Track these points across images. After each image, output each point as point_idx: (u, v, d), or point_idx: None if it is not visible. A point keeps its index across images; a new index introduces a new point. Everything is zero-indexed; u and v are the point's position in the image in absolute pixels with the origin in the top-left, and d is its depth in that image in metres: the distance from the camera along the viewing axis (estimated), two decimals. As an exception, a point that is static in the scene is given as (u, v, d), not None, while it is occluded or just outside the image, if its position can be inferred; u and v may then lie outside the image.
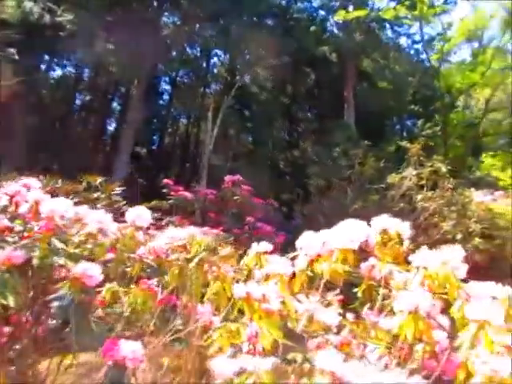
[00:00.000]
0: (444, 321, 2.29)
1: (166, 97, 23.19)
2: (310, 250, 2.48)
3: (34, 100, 13.08)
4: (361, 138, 11.73)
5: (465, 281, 2.29)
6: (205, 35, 15.38)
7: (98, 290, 2.43)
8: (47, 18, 10.22)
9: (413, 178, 6.56)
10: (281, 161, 15.02)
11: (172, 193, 6.51)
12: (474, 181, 9.87)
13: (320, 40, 15.65)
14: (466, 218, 6.29)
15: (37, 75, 11.92)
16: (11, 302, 1.90)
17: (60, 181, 3.57)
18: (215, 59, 20.22)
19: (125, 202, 3.95)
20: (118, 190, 4.08)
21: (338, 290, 2.94)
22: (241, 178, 6.94)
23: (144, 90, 13.85)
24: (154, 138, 22.80)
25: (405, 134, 19.20)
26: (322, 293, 2.98)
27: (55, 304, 2.04)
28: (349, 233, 2.68)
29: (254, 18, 16.81)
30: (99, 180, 4.04)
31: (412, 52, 17.20)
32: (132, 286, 2.23)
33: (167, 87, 23.20)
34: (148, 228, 3.24)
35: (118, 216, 3.26)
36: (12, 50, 9.60)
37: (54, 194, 3.79)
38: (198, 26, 14.61)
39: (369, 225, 2.87)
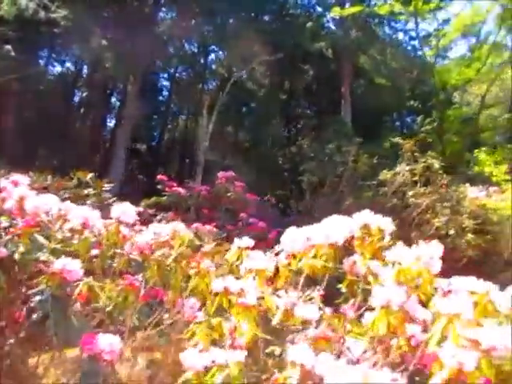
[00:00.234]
0: (427, 315, 2.31)
1: (165, 93, 23.24)
2: (291, 246, 2.51)
3: (31, 96, 13.11)
4: (358, 135, 11.73)
5: (457, 275, 2.32)
6: (201, 31, 15.37)
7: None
8: (42, 14, 10.23)
9: (405, 174, 6.58)
10: (279, 157, 15.04)
11: (166, 189, 6.55)
12: (471, 176, 9.85)
13: (317, 36, 15.63)
14: (458, 213, 6.31)
15: (33, 71, 11.92)
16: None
17: (50, 177, 3.59)
18: (213, 56, 20.24)
19: (115, 198, 3.97)
20: (108, 186, 4.11)
21: (323, 286, 2.98)
22: (234, 174, 6.97)
23: (141, 87, 13.86)
24: (154, 134, 22.83)
25: (405, 130, 19.18)
26: (307, 288, 3.02)
27: (36, 298, 2.07)
28: (328, 229, 2.71)
29: (251, 14, 16.81)
30: (89, 176, 4.06)
31: (409, 48, 17.20)
32: (107, 281, 2.25)
33: (166, 83, 23.24)
34: (134, 224, 3.27)
35: (108, 212, 3.28)
36: (8, 47, 9.61)
37: (43, 190, 3.83)
38: (194, 22, 14.59)
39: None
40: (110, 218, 2.90)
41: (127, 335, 2.19)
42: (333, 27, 17.27)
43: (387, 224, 2.82)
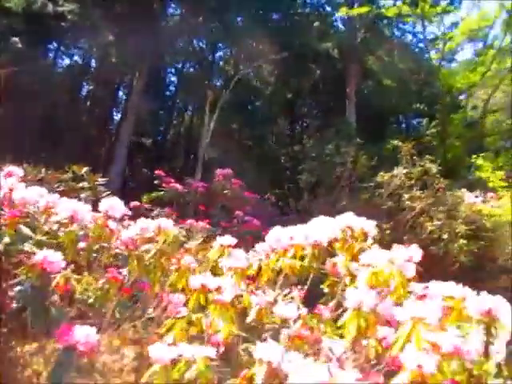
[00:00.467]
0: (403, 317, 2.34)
1: (172, 88, 23.31)
2: (275, 246, 2.55)
3: (38, 89, 13.19)
4: (362, 136, 11.72)
5: (449, 280, 2.35)
6: (209, 28, 15.40)
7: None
8: (50, 7, 10.31)
9: (402, 176, 6.58)
10: (282, 156, 15.06)
11: (163, 184, 6.60)
12: (471, 181, 9.83)
13: (325, 36, 15.61)
14: (453, 218, 6.31)
15: (41, 64, 12.02)
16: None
17: (44, 170, 3.65)
18: (221, 53, 20.27)
19: (115, 192, 4.02)
20: (102, 180, 4.17)
21: (306, 285, 3.02)
22: (231, 172, 7.01)
23: (147, 82, 13.92)
24: (160, 129, 22.91)
25: (411, 132, 19.11)
26: (290, 288, 3.06)
27: (16, 289, 2.12)
28: (310, 230, 2.75)
29: (260, 12, 16.81)
30: (84, 170, 4.12)
31: (417, 50, 17.10)
32: (87, 274, 2.30)
33: (174, 79, 23.31)
34: (123, 218, 3.32)
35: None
36: (16, 39, 9.70)
37: (38, 182, 3.89)
38: (202, 18, 14.62)
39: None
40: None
41: (107, 327, 2.24)
42: (341, 27, 17.25)
43: (370, 227, 2.86)
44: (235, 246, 2.78)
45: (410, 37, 18.08)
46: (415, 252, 2.60)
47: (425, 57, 16.04)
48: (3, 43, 9.70)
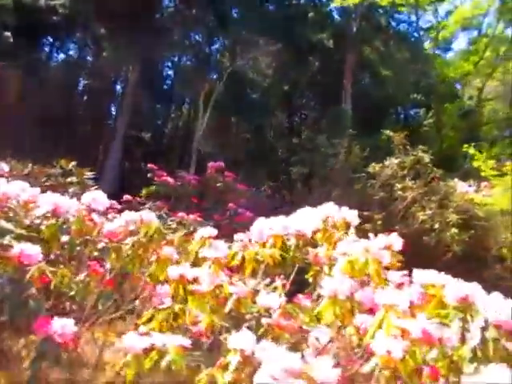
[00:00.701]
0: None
1: (169, 82, 23.23)
2: (259, 237, 2.56)
3: (33, 84, 13.17)
4: (358, 127, 11.68)
5: (441, 270, 2.36)
6: (205, 20, 15.32)
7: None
8: (42, 1, 10.24)
9: (394, 167, 6.58)
10: (279, 148, 15.04)
11: (155, 178, 6.61)
12: (467, 171, 9.82)
13: (321, 26, 15.53)
14: (445, 208, 6.32)
15: (34, 59, 11.98)
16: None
17: (30, 165, 3.66)
18: (217, 45, 20.16)
19: (96, 186, 4.03)
20: (90, 174, 4.17)
21: (292, 275, 3.03)
22: (223, 165, 7.01)
23: (143, 75, 13.87)
24: (158, 123, 22.86)
25: (410, 123, 19.05)
26: (274, 278, 3.08)
27: (-6, 282, 2.13)
28: (289, 221, 2.76)
29: (255, 2, 16.71)
30: (72, 164, 4.13)
31: (413, 40, 16.98)
32: (61, 267, 2.31)
33: (170, 73, 23.22)
34: (107, 212, 3.33)
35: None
36: (7, 34, 9.66)
37: (24, 177, 3.89)
38: (197, 10, 14.54)
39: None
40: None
41: (87, 319, 2.26)
42: (337, 17, 17.15)
43: (352, 216, 2.87)
44: (228, 239, 2.79)
45: (405, 26, 17.97)
46: (395, 240, 2.62)
47: (421, 46, 15.94)
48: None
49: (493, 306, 2.01)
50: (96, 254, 2.85)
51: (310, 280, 2.90)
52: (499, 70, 12.29)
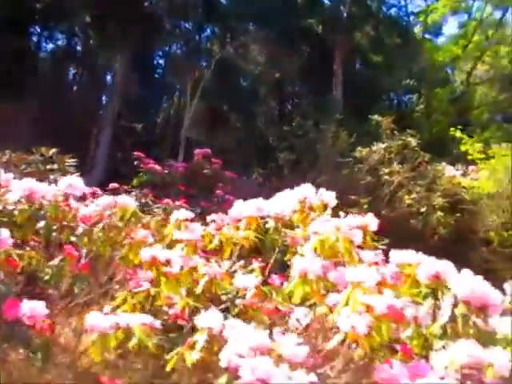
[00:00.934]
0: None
1: (160, 71, 23.00)
2: (222, 219, 2.55)
3: (20, 74, 13.00)
4: (350, 113, 11.66)
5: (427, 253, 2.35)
6: (194, 7, 15.12)
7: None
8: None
9: (381, 151, 6.57)
10: (270, 136, 14.98)
11: (142, 166, 6.58)
12: (457, 155, 9.81)
13: (310, 11, 15.37)
14: (432, 191, 6.33)
15: (21, 48, 11.81)
16: None
17: (8, 152, 3.62)
18: (207, 32, 19.94)
19: (77, 172, 3.99)
20: (71, 161, 4.14)
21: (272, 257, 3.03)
22: (209, 151, 6.98)
23: (133, 65, 13.72)
24: (150, 112, 22.68)
25: (403, 108, 19.00)
26: (252, 260, 3.07)
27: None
28: (263, 203, 2.75)
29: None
30: (52, 151, 4.09)
31: (404, 24, 16.84)
32: (28, 249, 2.30)
33: (161, 62, 22.99)
34: (85, 197, 3.31)
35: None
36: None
37: (4, 165, 3.86)
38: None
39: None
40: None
41: (59, 302, 2.25)
42: (327, 2, 16.97)
43: (329, 198, 2.86)
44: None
45: (395, 11, 17.78)
46: (371, 220, 2.62)
47: (411, 31, 15.84)
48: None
49: (463, 283, 2.01)
50: (73, 239, 2.84)
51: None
52: (488, 54, 12.24)
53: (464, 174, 7.20)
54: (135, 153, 6.87)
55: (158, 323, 1.88)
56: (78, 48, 18.50)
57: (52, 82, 16.62)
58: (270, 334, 1.83)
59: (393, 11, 17.19)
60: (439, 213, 6.00)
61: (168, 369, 1.94)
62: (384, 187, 6.26)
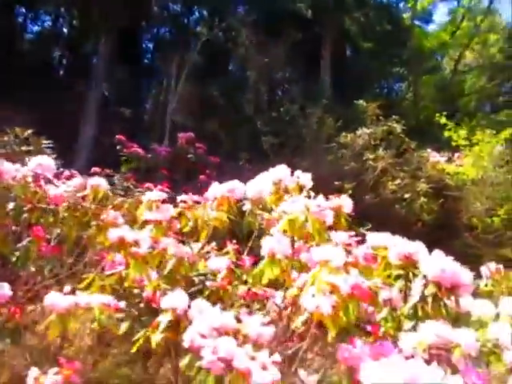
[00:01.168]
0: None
1: (149, 55, 22.66)
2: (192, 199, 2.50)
3: (6, 56, 12.72)
4: (337, 99, 11.57)
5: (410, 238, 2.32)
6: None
7: None
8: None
9: (366, 137, 6.53)
10: (258, 121, 14.86)
11: (124, 150, 6.47)
12: (444, 142, 9.80)
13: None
14: (416, 178, 6.32)
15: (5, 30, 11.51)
16: None
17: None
18: (195, 15, 19.64)
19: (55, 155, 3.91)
20: (46, 142, 4.04)
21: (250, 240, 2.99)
22: (193, 136, 6.88)
23: (117, 47, 13.46)
24: (139, 97, 22.38)
25: (394, 96, 18.95)
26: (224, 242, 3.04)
27: None
28: (237, 184, 2.71)
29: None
30: (27, 133, 3.99)
31: (393, 11, 16.70)
32: None
33: (150, 45, 22.63)
34: (58, 178, 3.24)
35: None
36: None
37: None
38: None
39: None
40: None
41: (23, 284, 2.19)
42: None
43: (305, 179, 2.82)
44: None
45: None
46: (345, 202, 2.58)
47: (401, 18, 15.71)
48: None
49: (433, 264, 1.99)
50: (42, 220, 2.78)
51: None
52: (477, 41, 12.19)
53: (449, 161, 7.21)
54: (118, 136, 6.75)
55: (122, 304, 1.84)
56: (64, 30, 18.14)
57: (37, 64, 16.30)
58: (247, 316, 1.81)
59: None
60: (422, 199, 6.01)
61: (133, 350, 1.91)
62: (368, 173, 6.24)
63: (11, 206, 2.71)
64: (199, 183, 6.29)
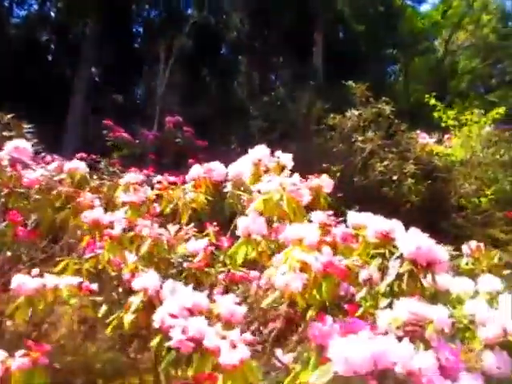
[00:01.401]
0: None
1: (139, 40, 22.31)
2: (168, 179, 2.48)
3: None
4: (330, 82, 11.46)
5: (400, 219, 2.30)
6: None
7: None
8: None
9: (355, 118, 6.48)
10: (250, 106, 14.76)
11: (110, 134, 6.40)
12: (436, 123, 9.77)
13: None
14: (405, 159, 6.30)
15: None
16: None
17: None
18: (186, -1, 19.31)
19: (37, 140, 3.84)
20: (28, 127, 3.98)
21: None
22: (181, 119, 6.80)
23: (106, 30, 13.23)
24: (130, 83, 22.09)
25: (386, 78, 18.83)
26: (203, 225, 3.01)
27: None
28: (212, 165, 2.68)
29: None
30: (8, 117, 3.92)
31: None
32: None
33: (141, 30, 22.27)
34: (39, 163, 3.19)
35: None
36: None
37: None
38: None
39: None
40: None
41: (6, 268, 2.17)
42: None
43: (286, 160, 2.79)
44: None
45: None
46: (325, 181, 2.56)
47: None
48: None
49: (409, 241, 1.98)
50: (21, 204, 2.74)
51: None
52: (468, 22, 12.06)
53: (438, 142, 7.19)
54: (105, 121, 6.67)
55: (94, 286, 1.82)
56: (52, 14, 17.79)
57: (24, 49, 16.03)
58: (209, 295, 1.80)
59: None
60: (410, 180, 6.00)
61: (108, 332, 1.90)
62: (357, 155, 6.21)
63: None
64: (189, 168, 6.21)
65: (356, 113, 6.42)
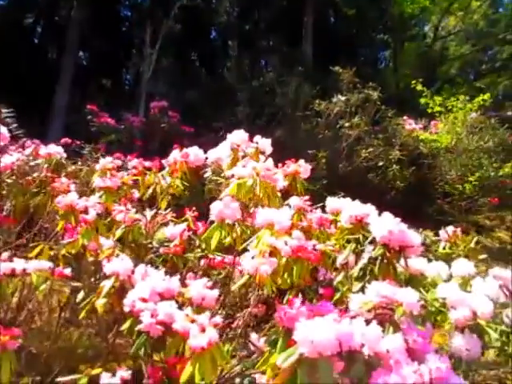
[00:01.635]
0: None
1: (127, 24, 21.91)
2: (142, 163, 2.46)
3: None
4: (319, 67, 11.37)
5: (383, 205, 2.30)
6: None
7: None
8: None
9: (341, 104, 6.46)
10: (239, 91, 14.64)
11: (95, 120, 6.32)
12: (422, 109, 9.77)
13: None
14: (390, 145, 6.32)
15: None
16: None
17: None
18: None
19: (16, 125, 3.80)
20: (6, 111, 3.92)
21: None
22: (166, 104, 6.73)
23: (91, 14, 12.97)
24: (119, 68, 21.75)
25: (381, 64, 18.75)
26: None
27: None
28: (189, 150, 2.67)
29: None
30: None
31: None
32: None
33: (129, 13, 21.87)
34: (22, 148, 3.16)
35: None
36: None
37: None
38: None
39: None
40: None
41: None
42: None
43: (265, 145, 2.78)
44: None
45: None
46: (302, 167, 2.56)
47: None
48: None
49: (381, 225, 1.99)
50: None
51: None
52: (458, 6, 11.98)
53: (425, 128, 7.21)
54: (89, 106, 6.58)
55: (68, 271, 1.82)
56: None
57: (10, 32, 15.70)
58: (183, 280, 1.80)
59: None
60: (395, 166, 6.02)
61: (80, 317, 1.90)
62: (342, 141, 6.21)
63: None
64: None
65: (343, 98, 6.39)
